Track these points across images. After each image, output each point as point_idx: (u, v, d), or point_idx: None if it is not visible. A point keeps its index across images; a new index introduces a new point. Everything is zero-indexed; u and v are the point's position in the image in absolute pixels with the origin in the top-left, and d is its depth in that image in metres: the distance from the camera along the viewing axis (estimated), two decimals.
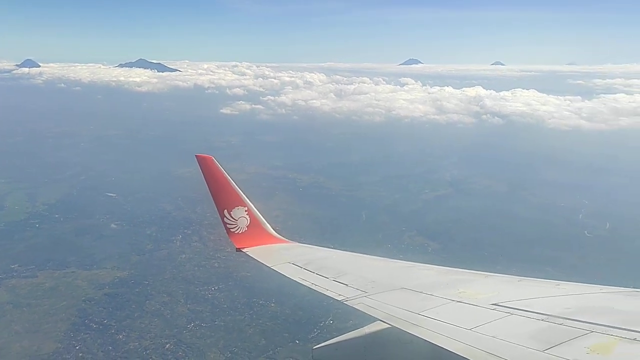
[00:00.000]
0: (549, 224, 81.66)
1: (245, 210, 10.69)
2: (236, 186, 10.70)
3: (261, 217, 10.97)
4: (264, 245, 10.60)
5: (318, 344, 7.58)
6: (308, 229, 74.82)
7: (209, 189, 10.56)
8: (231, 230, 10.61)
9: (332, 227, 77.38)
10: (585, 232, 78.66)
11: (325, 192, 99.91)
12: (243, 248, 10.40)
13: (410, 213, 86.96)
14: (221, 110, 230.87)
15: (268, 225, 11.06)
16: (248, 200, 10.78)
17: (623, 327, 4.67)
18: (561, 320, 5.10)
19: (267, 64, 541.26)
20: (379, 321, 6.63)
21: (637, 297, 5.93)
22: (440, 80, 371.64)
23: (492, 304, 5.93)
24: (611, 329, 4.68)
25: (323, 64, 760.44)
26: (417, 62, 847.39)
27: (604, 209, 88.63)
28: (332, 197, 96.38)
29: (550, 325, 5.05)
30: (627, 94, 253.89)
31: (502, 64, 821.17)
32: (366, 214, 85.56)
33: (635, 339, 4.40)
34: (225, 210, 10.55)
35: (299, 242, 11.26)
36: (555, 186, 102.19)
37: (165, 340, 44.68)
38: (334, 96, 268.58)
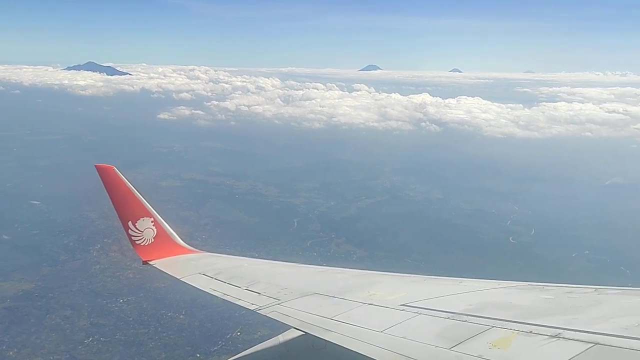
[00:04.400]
0: (477, 231, 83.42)
1: (152, 221, 10.24)
2: (141, 196, 10.24)
3: (169, 227, 10.54)
4: (172, 257, 10.21)
5: (234, 355, 7.60)
6: (236, 237, 73.65)
7: (111, 200, 10.09)
8: (136, 242, 10.14)
9: (262, 235, 76.22)
10: (510, 238, 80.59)
11: (261, 199, 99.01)
12: (150, 260, 9.99)
13: (342, 220, 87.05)
14: (158, 116, 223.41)
15: (176, 236, 10.65)
16: (154, 211, 10.34)
17: (520, 320, 4.94)
18: (465, 317, 5.30)
19: (226, 68, 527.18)
20: (293, 329, 6.65)
21: (530, 291, 6.24)
22: (396, 86, 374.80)
23: (401, 305, 6.05)
24: (510, 323, 4.94)
25: (283, 69, 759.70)
26: (376, 68, 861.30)
27: (531, 215, 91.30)
28: (266, 204, 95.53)
29: (455, 323, 5.23)
30: (567, 102, 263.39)
31: (459, 71, 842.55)
32: (298, 221, 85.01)
33: (530, 332, 4.62)
34: (130, 221, 10.07)
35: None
36: (487, 193, 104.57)
37: (58, 357, 42.48)
38: (280, 102, 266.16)
